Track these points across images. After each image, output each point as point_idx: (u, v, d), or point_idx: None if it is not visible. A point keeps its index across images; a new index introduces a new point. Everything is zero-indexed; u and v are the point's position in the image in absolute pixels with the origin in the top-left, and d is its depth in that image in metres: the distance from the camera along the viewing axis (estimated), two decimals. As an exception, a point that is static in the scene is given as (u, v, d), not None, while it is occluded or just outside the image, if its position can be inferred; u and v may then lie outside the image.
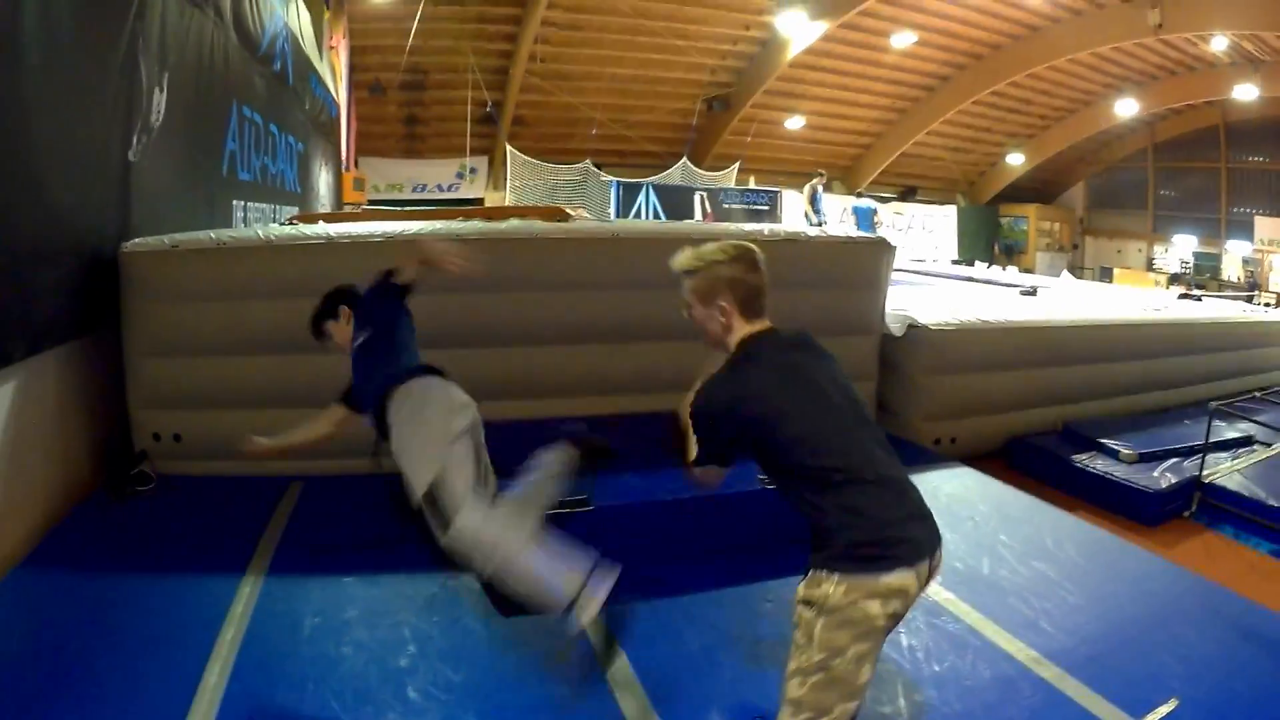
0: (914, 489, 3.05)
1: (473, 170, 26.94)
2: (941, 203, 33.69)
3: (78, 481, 5.88)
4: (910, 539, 2.84)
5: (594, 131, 26.84)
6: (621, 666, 3.92)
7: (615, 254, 6.86)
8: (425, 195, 26.53)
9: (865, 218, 18.37)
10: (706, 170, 28.54)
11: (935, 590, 4.68)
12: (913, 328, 7.60)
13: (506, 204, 23.63)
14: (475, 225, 6.88)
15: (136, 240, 6.18)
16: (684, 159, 28.17)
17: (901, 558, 2.78)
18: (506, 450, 4.32)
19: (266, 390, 6.27)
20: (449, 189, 26.90)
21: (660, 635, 4.26)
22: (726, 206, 25.61)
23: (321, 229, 6.59)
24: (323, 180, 17.29)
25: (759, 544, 5.06)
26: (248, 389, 6.29)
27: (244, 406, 6.25)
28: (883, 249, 7.58)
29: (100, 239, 6.03)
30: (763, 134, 29.30)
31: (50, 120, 5.23)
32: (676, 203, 24.68)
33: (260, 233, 6.38)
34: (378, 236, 6.34)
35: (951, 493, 6.25)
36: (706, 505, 5.12)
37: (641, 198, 24.55)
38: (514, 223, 7.56)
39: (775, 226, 9.03)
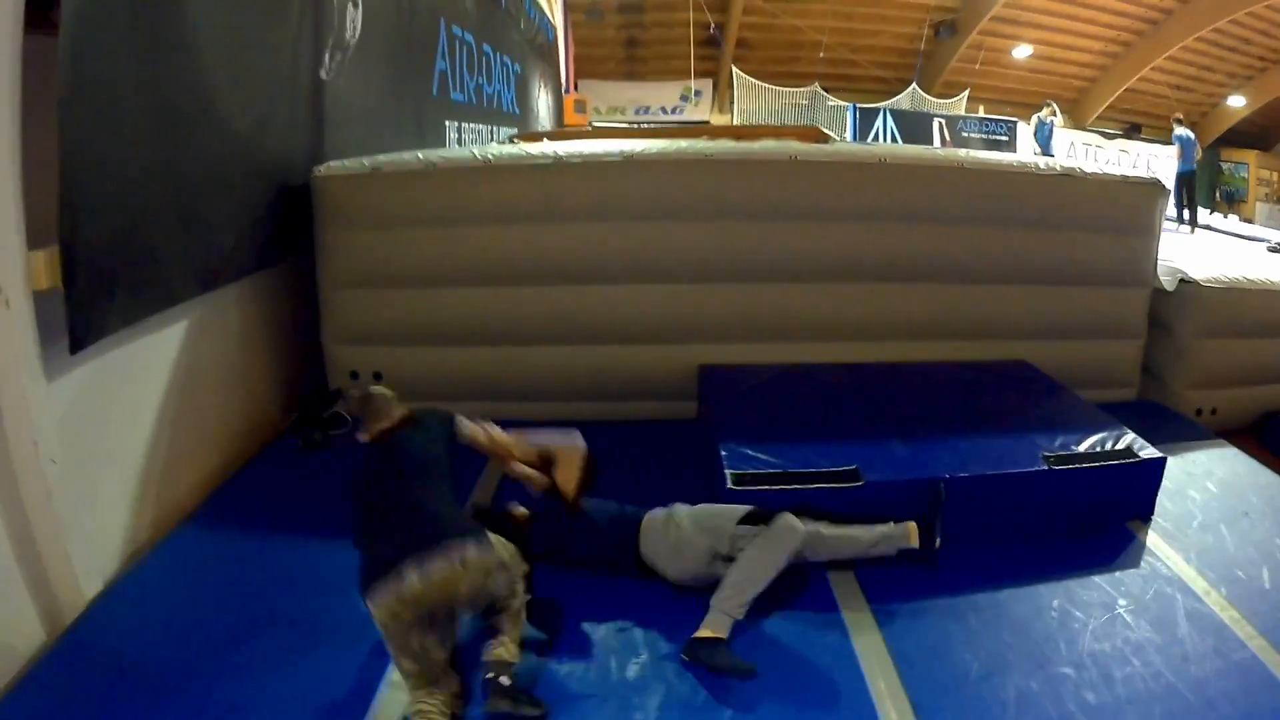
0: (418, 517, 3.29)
1: (697, 93, 26.06)
2: (1165, 143, 31.00)
3: (264, 424, 5.39)
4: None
5: (820, 55, 25.46)
6: (890, 679, 3.46)
7: (883, 182, 5.84)
8: (648, 118, 25.74)
9: (1189, 150, 16.60)
10: (935, 98, 26.80)
11: (1223, 607, 4.01)
12: (1184, 283, 6.46)
13: (734, 127, 22.46)
14: (725, 145, 5.86)
15: (331, 163, 5.61)
16: (913, 85, 26.53)
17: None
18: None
19: (476, 325, 5.57)
20: (673, 111, 26.06)
21: (933, 645, 3.69)
22: (965, 135, 23.60)
23: (547, 148, 5.72)
24: (542, 102, 16.97)
25: (1042, 531, 4.51)
26: (456, 323, 5.60)
27: (451, 343, 5.63)
28: (1158, 192, 6.44)
29: (288, 163, 5.52)
30: (990, 62, 27.39)
31: (225, 38, 4.66)
32: (914, 129, 22.78)
33: (477, 153, 5.56)
34: (614, 155, 5.49)
35: (1223, 479, 5.34)
36: (989, 485, 4.44)
37: (879, 123, 22.82)
38: (769, 144, 6.46)
39: (1051, 161, 7.75)
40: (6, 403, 3.33)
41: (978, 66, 27.24)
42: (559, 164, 5.40)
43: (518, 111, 14.12)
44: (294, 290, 5.68)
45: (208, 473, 4.77)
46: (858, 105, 23.38)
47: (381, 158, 5.64)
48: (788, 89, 25.39)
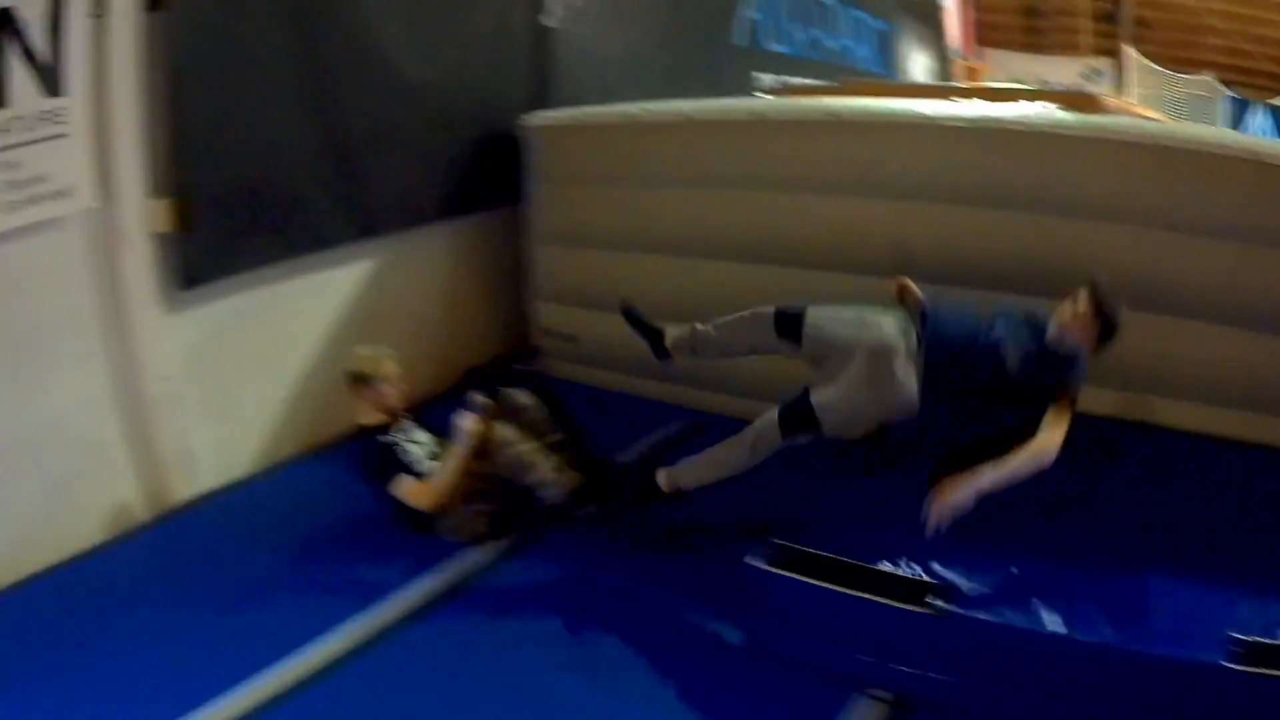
0: None
1: (1099, 73, 24.00)
2: None
3: (451, 373, 5.35)
4: None
5: (1214, 42, 22.67)
6: None
7: (1176, 175, 4.12)
8: (1050, 94, 24.05)
9: None
10: None
11: None
12: None
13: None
14: (965, 112, 4.67)
15: (545, 113, 5.52)
16: None
17: None
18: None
19: (676, 301, 4.92)
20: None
21: None
22: None
23: (761, 104, 5.33)
24: (919, 65, 16.06)
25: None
26: (654, 295, 5.00)
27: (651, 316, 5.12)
28: None
29: (493, 112, 5.51)
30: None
31: None
32: None
33: (684, 107, 5.14)
34: (819, 114, 4.78)
35: None
36: (1132, 672, 2.86)
37: (1250, 118, 20.52)
38: (1024, 108, 5.07)
39: None
40: (130, 328, 3.91)
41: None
42: (760, 122, 4.83)
43: (885, 72, 13.40)
44: (508, 241, 5.66)
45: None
46: (1234, 97, 21.06)
47: (594, 108, 5.43)
48: (1184, 75, 22.80)
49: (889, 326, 3.53)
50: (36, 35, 3.31)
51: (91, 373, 3.82)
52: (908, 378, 3.41)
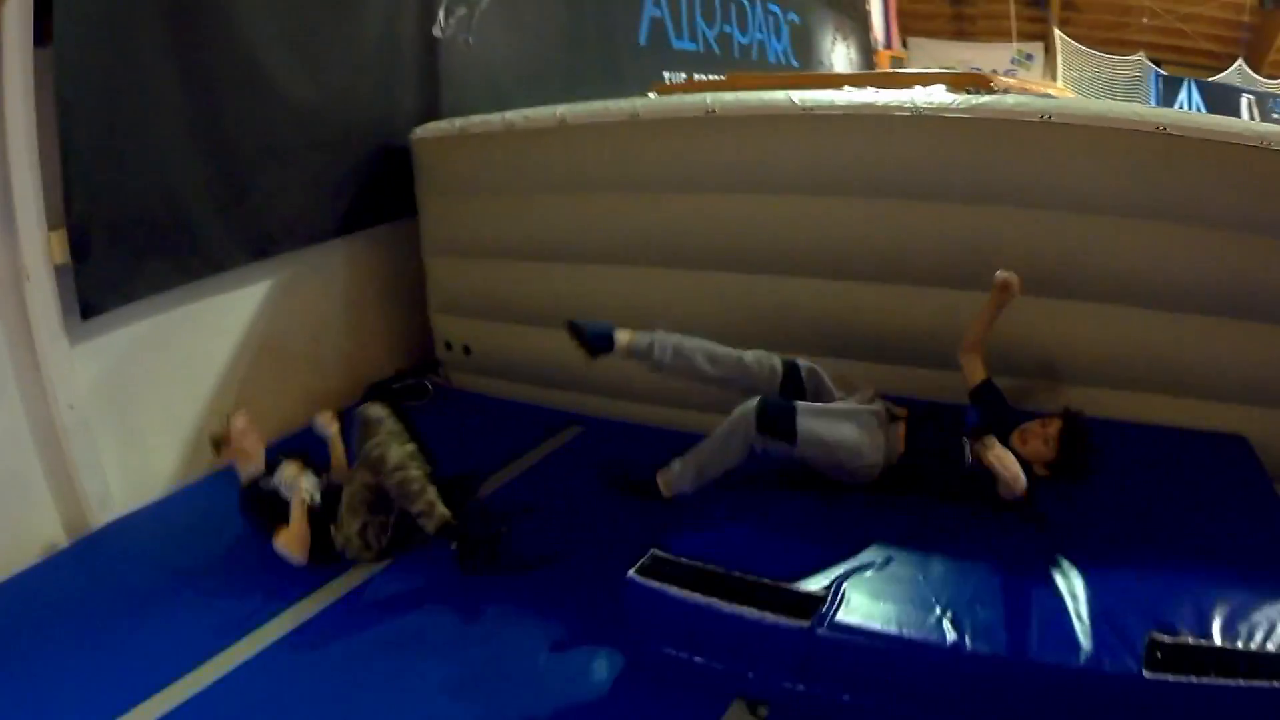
0: None
1: (1029, 57, 24.15)
2: None
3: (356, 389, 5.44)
4: None
5: (1145, 20, 22.99)
6: None
7: (1054, 150, 4.07)
8: (976, 83, 24.14)
9: None
10: (1265, 77, 23.26)
11: None
12: None
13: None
14: (857, 98, 4.54)
15: (429, 125, 5.51)
16: (1239, 61, 23.26)
17: None
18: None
19: (550, 307, 4.99)
20: (1004, 74, 24.41)
21: None
22: (1278, 117, 20.32)
23: (635, 103, 5.01)
24: (839, 57, 16.06)
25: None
26: (532, 302, 5.23)
27: (530, 323, 5.23)
28: None
29: (385, 127, 5.56)
30: (1330, 40, 23.02)
31: (282, 16, 4.86)
32: (1221, 104, 19.53)
33: (558, 110, 5.04)
34: (696, 110, 4.64)
35: None
36: (1018, 683, 2.61)
37: (1183, 95, 20.37)
38: (918, 94, 4.64)
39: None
40: (38, 360, 3.96)
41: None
42: (634, 121, 4.74)
43: (796, 64, 13.29)
44: (408, 254, 5.71)
45: (280, 428, 4.82)
46: (1159, 74, 21.10)
47: (473, 118, 5.39)
48: (1114, 55, 23.05)
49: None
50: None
51: (4, 406, 3.88)
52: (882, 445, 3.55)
